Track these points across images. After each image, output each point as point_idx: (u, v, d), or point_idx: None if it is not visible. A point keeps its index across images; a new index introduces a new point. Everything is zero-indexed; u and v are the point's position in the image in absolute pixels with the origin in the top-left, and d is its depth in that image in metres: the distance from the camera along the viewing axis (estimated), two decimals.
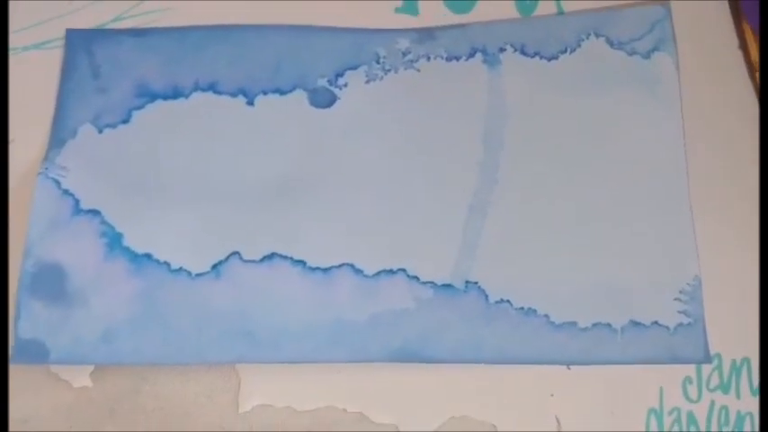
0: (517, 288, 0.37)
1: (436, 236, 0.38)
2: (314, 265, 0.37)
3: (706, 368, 0.38)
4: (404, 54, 0.40)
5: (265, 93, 0.40)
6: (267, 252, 0.37)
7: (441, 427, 0.37)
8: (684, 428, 0.37)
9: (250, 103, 0.39)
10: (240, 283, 0.37)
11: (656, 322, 0.37)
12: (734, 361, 0.38)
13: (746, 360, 0.38)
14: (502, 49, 0.40)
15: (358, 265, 0.37)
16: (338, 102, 0.40)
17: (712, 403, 0.37)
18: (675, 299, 0.37)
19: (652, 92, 0.40)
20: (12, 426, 0.36)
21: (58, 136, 0.39)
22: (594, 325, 0.37)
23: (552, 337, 0.37)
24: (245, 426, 0.37)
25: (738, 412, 0.37)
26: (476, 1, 0.42)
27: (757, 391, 0.37)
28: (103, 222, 0.37)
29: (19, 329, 0.36)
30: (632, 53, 0.40)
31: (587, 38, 0.40)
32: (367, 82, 0.40)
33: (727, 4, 0.42)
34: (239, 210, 0.38)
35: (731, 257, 0.39)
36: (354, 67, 0.40)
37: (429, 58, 0.40)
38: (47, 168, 0.38)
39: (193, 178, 0.38)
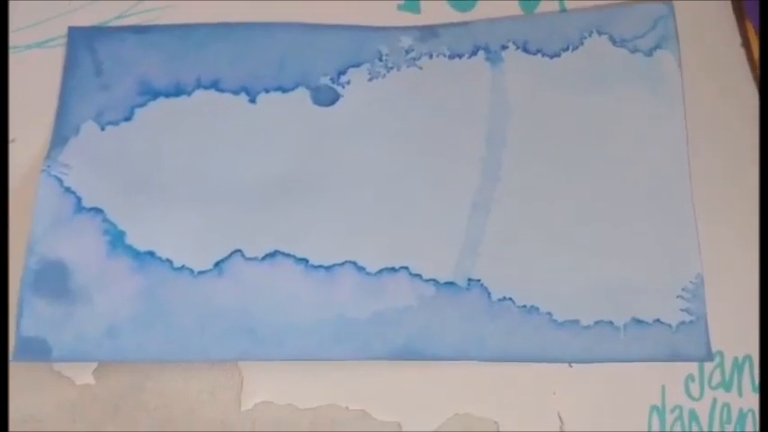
0: (520, 286, 0.37)
1: (439, 234, 0.38)
2: (316, 263, 0.37)
3: (708, 366, 0.38)
4: (406, 52, 0.40)
5: (268, 91, 0.40)
6: (270, 250, 0.37)
7: (443, 425, 0.37)
8: (686, 426, 0.37)
9: (252, 100, 0.39)
10: (242, 281, 0.37)
11: (658, 320, 0.37)
12: (736, 359, 0.38)
13: (748, 358, 0.38)
14: (504, 47, 0.40)
15: (360, 263, 0.37)
16: (341, 100, 0.40)
17: (714, 401, 0.37)
18: (678, 297, 0.37)
19: (654, 89, 0.40)
20: (14, 423, 0.36)
21: (61, 134, 0.39)
22: (597, 323, 0.37)
23: (555, 334, 0.37)
24: (248, 423, 0.37)
25: (740, 410, 0.37)
26: None
27: (759, 389, 0.37)
28: (106, 220, 0.37)
29: (22, 327, 0.36)
30: (635, 51, 0.40)
31: (590, 35, 0.40)
32: (370, 80, 0.40)
33: (729, 2, 0.42)
34: (241, 207, 0.38)
35: (733, 255, 0.39)
36: (357, 65, 0.40)
37: (431, 56, 0.40)
38: (49, 166, 0.38)
39: (196, 176, 0.38)
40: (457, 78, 0.40)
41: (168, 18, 0.41)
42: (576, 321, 0.37)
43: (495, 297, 0.37)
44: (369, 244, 0.38)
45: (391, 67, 0.40)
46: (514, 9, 0.42)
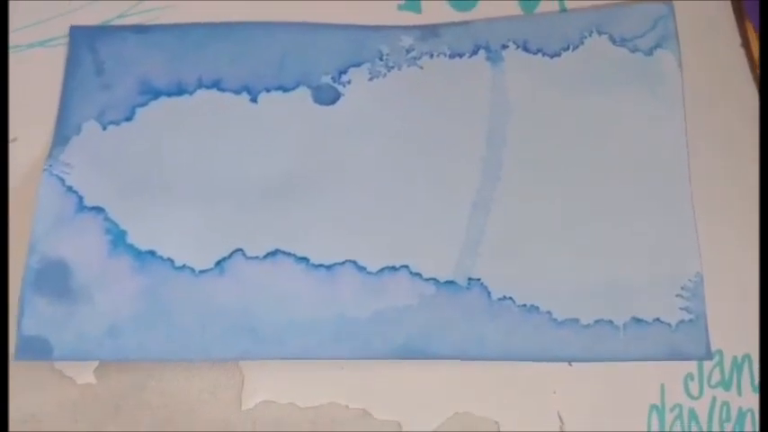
0: (520, 285, 0.37)
1: (439, 233, 0.38)
2: (317, 262, 0.37)
3: (707, 365, 0.38)
4: (407, 51, 0.40)
5: (269, 90, 0.40)
6: (271, 249, 0.37)
7: (443, 424, 0.37)
8: (686, 425, 0.37)
9: (253, 100, 0.39)
10: (244, 280, 0.37)
11: (657, 319, 0.37)
12: (735, 357, 0.38)
13: (747, 356, 0.38)
14: (505, 47, 0.40)
15: (361, 262, 0.37)
16: (342, 99, 0.40)
17: (714, 400, 0.37)
18: (677, 296, 0.37)
19: (654, 89, 0.40)
20: (15, 423, 0.36)
21: (62, 133, 0.39)
22: (596, 322, 0.37)
23: (554, 333, 0.37)
24: (249, 422, 0.37)
25: (740, 409, 0.37)
26: None
27: (758, 388, 0.37)
28: (107, 219, 0.37)
29: (23, 326, 0.36)
30: (635, 50, 0.40)
31: (590, 35, 0.41)
32: (370, 79, 0.40)
33: (729, 2, 0.42)
34: (243, 207, 0.38)
35: (732, 254, 0.39)
36: (358, 65, 0.40)
37: (432, 56, 0.40)
38: (51, 165, 0.38)
39: (197, 175, 0.38)
40: (457, 78, 0.40)
41: (169, 17, 0.41)
42: (576, 320, 0.37)
43: (495, 296, 0.37)
44: (369, 243, 0.38)
45: (392, 67, 0.40)
46: (514, 9, 0.42)
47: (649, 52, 0.40)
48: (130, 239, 0.37)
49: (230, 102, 0.39)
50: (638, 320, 0.37)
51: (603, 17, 0.41)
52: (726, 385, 0.38)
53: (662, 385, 0.37)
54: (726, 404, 0.37)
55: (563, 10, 0.42)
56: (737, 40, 0.42)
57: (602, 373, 0.37)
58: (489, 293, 0.37)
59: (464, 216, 0.38)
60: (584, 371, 0.37)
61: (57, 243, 0.37)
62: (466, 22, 0.41)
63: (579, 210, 0.38)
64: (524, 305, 0.37)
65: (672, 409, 0.37)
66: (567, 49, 0.40)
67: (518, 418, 0.37)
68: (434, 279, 0.37)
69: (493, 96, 0.40)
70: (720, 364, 0.38)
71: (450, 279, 0.37)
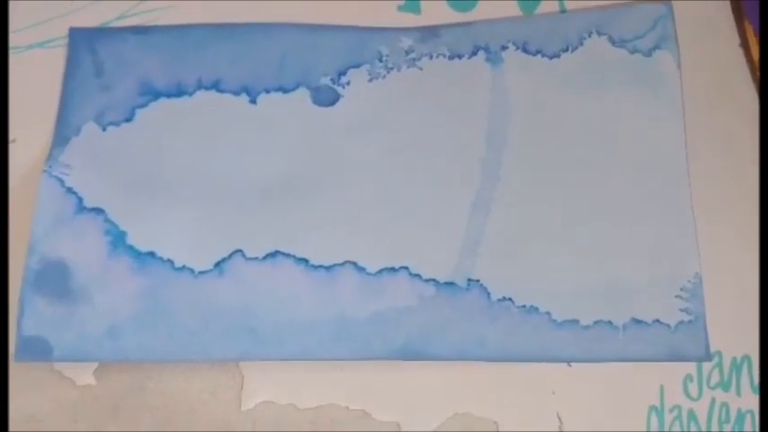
0: (519, 286, 0.37)
1: (438, 234, 0.38)
2: (317, 263, 0.37)
3: (707, 366, 0.38)
4: (406, 52, 0.40)
5: (268, 91, 0.40)
6: (270, 250, 0.37)
7: (443, 425, 0.37)
8: (685, 426, 0.37)
9: (253, 101, 0.40)
10: (243, 281, 0.37)
11: (657, 320, 0.37)
12: (734, 359, 0.38)
13: (747, 358, 0.38)
14: (504, 48, 0.40)
15: (361, 263, 0.37)
16: (341, 100, 0.40)
17: (713, 401, 0.37)
18: (676, 297, 0.37)
19: (654, 90, 0.40)
20: (15, 423, 0.36)
21: (62, 134, 0.39)
22: (596, 323, 0.37)
23: (554, 334, 0.37)
24: (248, 423, 0.37)
25: (739, 410, 0.37)
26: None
27: (758, 389, 0.37)
28: (107, 220, 0.37)
29: (22, 327, 0.36)
30: (634, 51, 0.40)
31: (589, 36, 0.41)
32: (370, 80, 0.40)
33: (728, 3, 0.42)
34: (242, 208, 0.38)
35: (732, 255, 0.39)
36: (357, 66, 0.40)
37: (432, 57, 0.40)
38: (51, 166, 0.38)
39: (196, 176, 0.38)
40: (457, 79, 0.40)
41: (169, 18, 0.41)
42: (576, 321, 0.37)
43: (494, 297, 0.37)
44: (369, 244, 0.38)
45: (391, 68, 0.40)
46: (514, 10, 0.42)
47: (648, 53, 0.40)
48: (130, 240, 0.37)
49: (230, 103, 0.39)
50: (637, 321, 0.37)
51: (603, 18, 0.41)
52: (725, 386, 0.38)
53: (661, 386, 0.37)
54: (725, 405, 0.37)
55: (562, 11, 0.42)
56: (736, 40, 0.42)
57: (602, 374, 0.37)
58: (489, 294, 0.37)
59: (464, 217, 0.38)
60: (584, 372, 0.37)
61: (56, 244, 0.37)
62: (465, 24, 0.41)
63: (579, 210, 0.38)
64: (524, 306, 0.37)
65: (671, 410, 0.37)
66: (567, 50, 0.40)
67: (517, 418, 0.37)
68: (434, 280, 0.37)
69: (492, 97, 0.40)
70: (720, 365, 0.38)
71: (450, 280, 0.37)
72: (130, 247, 0.37)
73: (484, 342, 0.37)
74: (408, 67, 0.40)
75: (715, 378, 0.38)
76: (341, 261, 0.37)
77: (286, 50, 0.40)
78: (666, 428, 0.37)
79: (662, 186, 0.38)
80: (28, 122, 0.39)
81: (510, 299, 0.37)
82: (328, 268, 0.37)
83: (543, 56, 0.40)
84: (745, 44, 0.41)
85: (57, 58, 0.40)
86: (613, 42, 0.40)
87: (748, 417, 0.37)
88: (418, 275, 0.37)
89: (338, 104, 0.40)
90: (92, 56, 0.40)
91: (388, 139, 0.39)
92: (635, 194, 0.38)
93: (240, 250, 0.37)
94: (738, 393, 0.37)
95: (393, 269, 0.37)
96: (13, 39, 0.41)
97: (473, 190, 0.38)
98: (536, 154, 0.39)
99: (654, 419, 0.37)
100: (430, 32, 0.41)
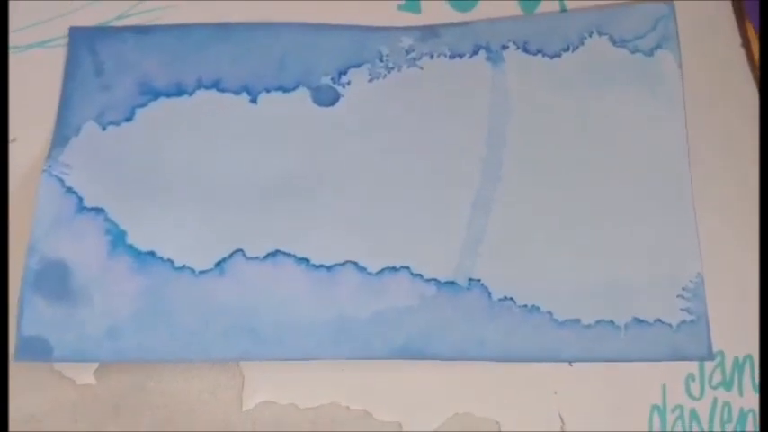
0: (520, 285, 0.37)
1: (439, 233, 0.38)
2: (317, 263, 0.37)
3: (708, 365, 0.38)
4: (407, 52, 0.40)
5: (268, 90, 0.40)
6: (271, 249, 0.37)
7: (444, 425, 0.37)
8: (687, 425, 0.37)
9: (253, 100, 0.39)
10: (244, 281, 0.37)
11: (658, 319, 0.37)
12: (736, 358, 0.38)
13: (749, 357, 0.38)
14: (505, 47, 0.40)
15: (361, 263, 0.37)
16: (341, 100, 0.40)
17: (715, 400, 0.37)
18: (678, 296, 0.37)
19: (655, 89, 0.40)
20: (15, 423, 0.36)
21: (62, 134, 0.39)
22: (597, 322, 0.37)
23: (555, 334, 0.37)
24: (249, 423, 0.37)
25: (741, 409, 0.37)
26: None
27: (759, 389, 0.37)
28: (107, 220, 0.37)
29: (22, 327, 0.36)
30: (635, 51, 0.40)
31: (590, 36, 0.41)
32: (370, 80, 0.40)
33: (729, 3, 0.42)
34: (243, 207, 0.38)
35: (734, 255, 0.39)
36: (357, 66, 0.40)
37: (432, 56, 0.40)
38: (50, 166, 0.38)
39: (197, 176, 0.38)
40: (457, 78, 0.40)
41: (169, 18, 0.41)
42: (577, 321, 0.37)
43: (495, 297, 0.37)
44: (369, 244, 0.38)
45: (392, 68, 0.40)
46: (515, 9, 0.42)
47: (650, 53, 0.40)
48: (130, 240, 0.37)
49: (230, 102, 0.39)
50: (639, 321, 0.37)
51: (604, 18, 0.41)
52: (727, 386, 0.38)
53: (663, 386, 0.37)
54: (727, 404, 0.37)
55: (563, 10, 0.42)
56: (738, 40, 0.42)
57: (604, 374, 0.37)
58: (490, 294, 0.37)
59: (464, 216, 0.38)
60: (586, 371, 0.37)
61: (56, 244, 0.37)
62: (466, 23, 0.41)
63: (580, 210, 0.38)
64: (525, 305, 0.37)
65: (673, 410, 0.37)
66: (568, 49, 0.40)
67: (519, 418, 0.37)
68: (435, 280, 0.37)
69: (493, 97, 0.40)
70: (722, 364, 0.38)
71: (451, 279, 0.37)
72: (130, 247, 0.37)
73: (485, 342, 0.36)
74: (409, 67, 0.40)
75: (717, 377, 0.38)
76: (342, 261, 0.37)
77: (286, 50, 0.40)
78: (669, 428, 0.37)
79: (663, 186, 0.38)
80: (28, 122, 0.39)
81: (511, 298, 0.37)
82: (329, 268, 0.37)
83: (544, 55, 0.40)
84: (746, 44, 0.41)
85: (57, 58, 0.40)
86: (614, 42, 0.40)
87: (750, 416, 0.37)
88: (419, 275, 0.37)
89: (338, 104, 0.40)
90: (92, 55, 0.40)
91: (389, 138, 0.39)
92: (636, 194, 0.38)
93: (241, 250, 0.37)
94: (740, 393, 0.37)
95: (394, 269, 0.37)
96: (13, 38, 0.41)
97: (474, 189, 0.38)
98: (537, 153, 0.39)
99: (656, 419, 0.37)
100: (430, 32, 0.41)
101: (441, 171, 0.39)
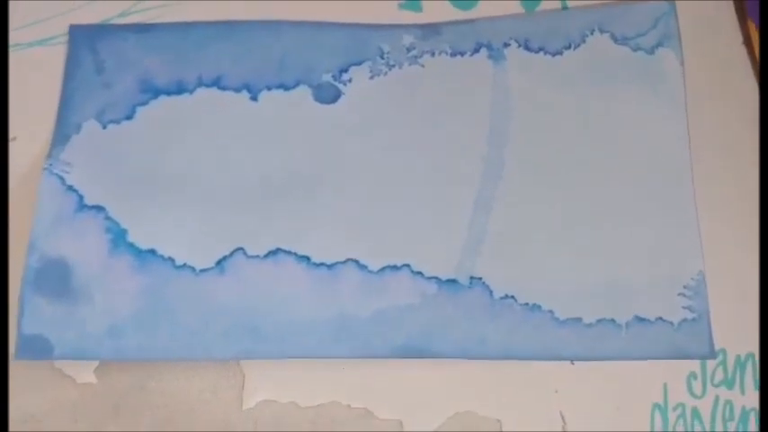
0: (522, 284, 0.37)
1: (441, 231, 0.38)
2: (318, 261, 0.37)
3: (710, 363, 0.38)
4: (408, 50, 0.40)
5: (269, 88, 0.40)
6: (272, 248, 0.37)
7: (445, 423, 0.37)
8: (689, 424, 0.37)
9: (254, 98, 0.39)
10: (244, 280, 0.37)
11: (660, 318, 0.37)
12: (738, 356, 0.38)
13: (751, 355, 0.38)
14: (506, 45, 0.40)
15: (362, 261, 0.37)
16: (342, 97, 0.40)
17: (717, 398, 0.37)
18: (680, 294, 0.37)
19: (656, 87, 0.40)
20: (15, 423, 0.36)
21: (62, 132, 0.39)
22: (599, 321, 0.37)
23: (556, 332, 0.36)
24: (250, 422, 0.37)
25: (743, 407, 0.37)
26: None
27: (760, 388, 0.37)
28: (108, 218, 0.37)
29: (23, 325, 0.36)
30: (636, 49, 0.40)
31: (591, 33, 0.40)
32: (371, 78, 0.40)
33: (731, 1, 0.42)
34: (243, 205, 0.38)
35: (735, 253, 0.39)
36: (358, 63, 0.40)
37: (433, 54, 0.40)
38: (51, 164, 0.38)
39: (197, 174, 0.38)
40: (459, 76, 0.40)
41: (170, 16, 0.41)
42: (579, 319, 0.37)
43: (496, 295, 0.37)
44: (370, 242, 0.37)
45: (393, 65, 0.40)
46: (516, 7, 0.42)
47: (651, 51, 0.40)
48: (131, 238, 0.37)
49: (231, 100, 0.39)
50: (640, 319, 0.37)
51: (605, 16, 0.41)
52: (729, 384, 0.37)
53: (665, 384, 0.37)
54: (729, 403, 0.37)
55: (564, 8, 0.42)
56: (739, 38, 0.42)
57: (605, 373, 0.37)
58: (491, 292, 0.37)
59: (466, 215, 0.38)
60: (587, 370, 0.37)
61: (57, 242, 0.37)
62: (467, 21, 0.41)
63: (581, 208, 0.38)
64: (526, 304, 0.37)
65: (675, 409, 0.37)
66: (569, 47, 0.40)
67: (520, 417, 0.37)
68: (436, 278, 0.37)
69: (494, 95, 0.40)
70: (723, 362, 0.38)
71: (452, 278, 0.37)
72: (131, 245, 0.37)
73: (486, 340, 0.36)
74: (410, 65, 0.40)
75: (719, 376, 0.37)
76: (342, 259, 0.37)
77: (287, 48, 0.40)
78: (670, 427, 0.37)
79: (664, 184, 0.38)
80: (28, 120, 0.39)
81: (512, 297, 0.37)
82: (330, 266, 0.37)
83: (545, 53, 0.40)
84: (748, 42, 0.41)
85: (57, 56, 0.40)
86: (616, 40, 0.40)
87: (752, 415, 0.37)
88: (420, 273, 0.37)
89: (339, 102, 0.39)
90: (92, 53, 0.40)
91: (390, 136, 0.39)
92: (638, 192, 0.38)
93: (241, 248, 0.37)
94: (742, 391, 0.37)
95: (395, 267, 0.37)
96: (14, 36, 0.41)
97: (475, 188, 0.38)
98: (538, 151, 0.39)
99: (657, 418, 0.37)
100: (431, 30, 0.41)
101: (442, 169, 0.39)
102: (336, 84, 0.40)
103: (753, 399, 0.37)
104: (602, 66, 0.40)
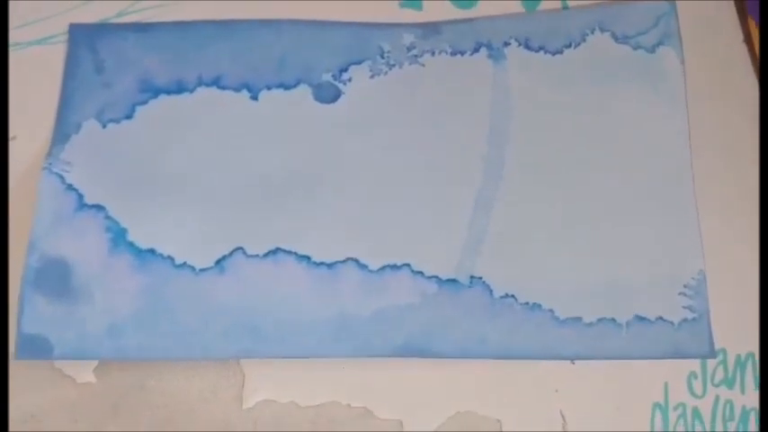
0: (522, 283, 0.37)
1: (441, 231, 0.38)
2: (318, 261, 0.37)
3: (711, 363, 0.38)
4: (408, 49, 0.40)
5: (269, 88, 0.39)
6: (271, 247, 0.37)
7: (445, 423, 0.37)
8: (689, 424, 0.37)
9: (254, 97, 0.39)
10: (244, 279, 0.37)
11: (660, 317, 0.37)
12: (738, 356, 0.38)
13: (751, 355, 0.38)
14: (506, 44, 0.40)
15: (362, 261, 0.37)
16: (342, 97, 0.39)
17: (717, 398, 0.37)
18: (680, 294, 0.37)
19: (657, 86, 0.39)
20: (15, 423, 0.36)
21: (62, 131, 0.39)
22: (599, 320, 0.37)
23: (557, 332, 0.36)
24: (249, 421, 0.37)
25: (743, 407, 0.37)
26: None
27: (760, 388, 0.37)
28: (108, 217, 0.37)
29: (23, 325, 0.36)
30: (637, 48, 0.40)
31: (592, 32, 0.40)
32: (371, 77, 0.40)
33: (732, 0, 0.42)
34: (243, 205, 0.38)
35: (736, 252, 0.39)
36: (359, 62, 0.40)
37: (433, 53, 0.40)
38: (51, 163, 0.38)
39: (197, 173, 0.38)
40: (459, 75, 0.40)
41: (169, 15, 0.41)
42: (579, 319, 0.37)
43: (497, 294, 0.37)
44: (370, 241, 0.37)
45: (393, 65, 0.40)
46: (516, 6, 0.41)
47: (652, 50, 0.40)
48: (131, 238, 0.37)
49: (230, 99, 0.39)
50: (640, 319, 0.37)
51: (606, 15, 0.41)
52: (729, 383, 0.37)
53: (665, 384, 0.37)
54: (729, 402, 0.37)
55: (565, 7, 0.42)
56: (740, 36, 0.42)
57: (605, 372, 0.37)
58: (491, 292, 0.37)
59: (466, 214, 0.38)
60: (587, 369, 0.37)
61: (57, 241, 0.37)
62: (467, 20, 0.41)
63: (582, 208, 0.38)
64: (526, 303, 0.37)
65: (675, 408, 0.37)
66: (569, 46, 0.40)
67: (520, 416, 0.37)
68: (436, 277, 0.37)
69: (494, 94, 0.40)
70: (724, 362, 0.38)
71: (452, 277, 0.37)
72: (131, 245, 0.37)
73: (486, 340, 0.36)
74: (410, 64, 0.40)
75: (719, 375, 0.37)
76: (342, 258, 0.37)
77: (287, 47, 0.40)
78: (671, 427, 0.37)
79: (665, 183, 0.38)
80: (28, 120, 0.39)
81: (513, 296, 0.37)
82: (330, 266, 0.37)
83: (546, 52, 0.40)
84: (748, 40, 0.41)
85: (57, 55, 0.40)
86: (616, 39, 0.40)
87: (753, 414, 0.37)
88: (420, 273, 0.37)
89: (339, 101, 0.39)
90: (92, 53, 0.40)
91: (390, 135, 0.39)
92: (638, 191, 0.38)
93: (241, 247, 0.37)
94: (743, 391, 0.37)
95: (395, 266, 0.37)
96: (14, 35, 0.41)
97: (475, 187, 0.38)
98: (538, 151, 0.39)
99: (658, 417, 0.37)
100: (432, 29, 0.41)
101: (442, 168, 0.39)
102: (336, 83, 0.40)
103: (753, 398, 0.37)
104: (603, 65, 0.40)
